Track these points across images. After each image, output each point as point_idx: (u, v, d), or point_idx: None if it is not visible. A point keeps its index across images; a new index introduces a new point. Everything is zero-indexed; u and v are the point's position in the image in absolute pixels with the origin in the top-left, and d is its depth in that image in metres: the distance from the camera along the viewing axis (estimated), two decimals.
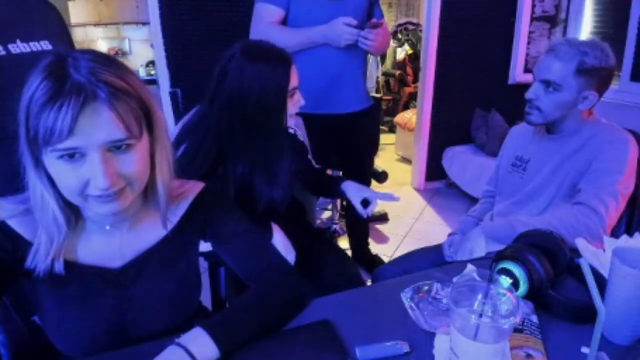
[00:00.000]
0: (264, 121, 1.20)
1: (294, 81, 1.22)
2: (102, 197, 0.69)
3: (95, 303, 0.79)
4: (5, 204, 0.75)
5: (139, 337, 0.80)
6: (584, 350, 0.74)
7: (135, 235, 0.83)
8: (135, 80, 0.70)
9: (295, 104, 1.26)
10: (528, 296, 0.85)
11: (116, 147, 0.68)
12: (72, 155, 0.65)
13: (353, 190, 1.40)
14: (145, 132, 0.72)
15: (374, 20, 1.83)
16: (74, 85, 0.63)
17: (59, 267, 0.74)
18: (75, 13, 5.04)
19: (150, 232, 0.84)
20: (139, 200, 0.81)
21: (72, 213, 0.75)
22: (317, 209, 3.13)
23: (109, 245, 0.80)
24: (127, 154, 0.69)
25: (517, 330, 0.77)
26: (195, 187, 0.90)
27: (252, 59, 1.17)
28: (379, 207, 3.30)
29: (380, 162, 3.82)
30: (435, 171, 3.80)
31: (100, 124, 0.65)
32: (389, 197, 1.38)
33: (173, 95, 2.80)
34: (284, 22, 1.87)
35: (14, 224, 0.74)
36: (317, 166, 1.55)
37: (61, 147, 0.64)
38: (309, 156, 1.55)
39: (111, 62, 0.68)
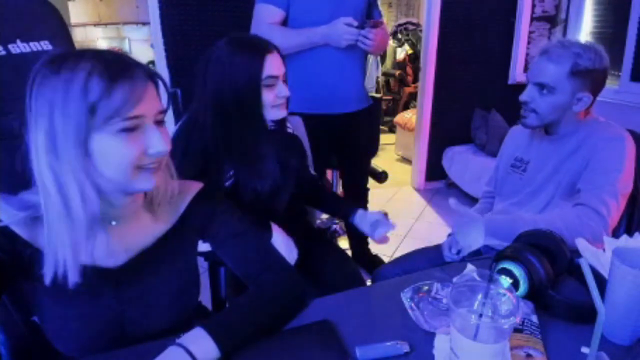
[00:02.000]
0: (238, 111, 1.17)
1: (270, 70, 1.18)
2: (150, 169, 0.74)
3: (94, 302, 0.79)
4: (7, 207, 0.75)
5: (138, 337, 0.80)
6: (584, 350, 0.74)
7: (134, 235, 0.83)
8: None
9: (276, 94, 1.21)
10: (528, 296, 0.85)
11: (159, 121, 0.75)
12: (134, 127, 0.70)
13: (366, 228, 1.40)
14: None
15: (373, 19, 1.83)
16: (129, 62, 0.71)
17: (72, 276, 0.72)
18: (75, 13, 5.04)
19: (149, 231, 0.84)
20: (140, 198, 0.82)
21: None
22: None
23: (107, 245, 0.80)
24: (162, 126, 0.76)
25: (517, 330, 0.77)
26: (193, 187, 0.91)
27: (229, 49, 1.17)
28: (378, 207, 3.31)
29: (380, 162, 3.82)
30: (435, 171, 3.81)
31: (153, 95, 0.73)
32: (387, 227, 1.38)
33: (173, 95, 2.80)
34: (284, 22, 1.87)
35: (18, 229, 0.74)
36: (313, 173, 1.53)
37: (131, 115, 0.69)
38: (308, 162, 1.53)
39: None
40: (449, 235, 1.49)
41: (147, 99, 0.71)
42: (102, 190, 0.73)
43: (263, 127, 1.25)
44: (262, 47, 1.19)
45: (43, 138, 0.68)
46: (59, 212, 0.70)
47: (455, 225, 1.36)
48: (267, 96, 1.20)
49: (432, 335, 0.78)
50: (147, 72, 0.73)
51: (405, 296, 0.89)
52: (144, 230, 0.84)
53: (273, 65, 1.19)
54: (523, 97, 1.26)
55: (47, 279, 0.71)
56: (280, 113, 1.25)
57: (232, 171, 1.25)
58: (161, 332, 0.81)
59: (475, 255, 1.31)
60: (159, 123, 0.75)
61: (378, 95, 5.03)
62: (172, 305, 0.86)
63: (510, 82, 3.73)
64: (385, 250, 2.78)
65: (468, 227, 1.26)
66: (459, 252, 1.38)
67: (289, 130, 1.44)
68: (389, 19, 6.54)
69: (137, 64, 0.72)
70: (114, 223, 0.80)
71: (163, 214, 0.85)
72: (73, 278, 0.72)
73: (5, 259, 0.72)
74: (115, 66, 0.69)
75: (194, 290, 0.91)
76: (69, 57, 0.69)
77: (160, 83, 0.76)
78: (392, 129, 5.28)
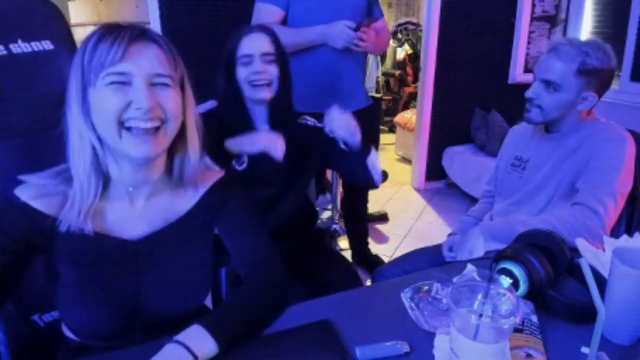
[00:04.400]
0: (227, 88, 1.30)
1: (244, 49, 1.27)
2: (139, 133, 0.74)
3: (111, 275, 0.81)
4: (35, 179, 0.78)
5: (150, 321, 0.82)
6: (584, 350, 0.74)
7: (154, 211, 0.85)
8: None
9: (250, 71, 1.27)
10: (528, 296, 0.85)
11: (158, 84, 0.76)
12: (122, 82, 0.73)
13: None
14: (179, 90, 0.80)
15: (366, 19, 1.82)
16: (128, 25, 0.75)
17: (87, 229, 0.77)
18: (75, 13, 5.03)
19: (169, 210, 0.87)
20: (162, 167, 0.85)
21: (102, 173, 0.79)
22: (317, 209, 3.13)
23: (128, 218, 0.83)
24: (166, 91, 0.77)
25: (517, 330, 0.77)
26: (215, 175, 0.93)
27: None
28: (378, 207, 3.31)
29: (381, 162, 3.83)
30: (435, 171, 3.80)
31: (149, 56, 0.75)
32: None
33: None
34: (284, 22, 1.87)
35: (37, 204, 0.76)
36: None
37: (114, 70, 0.72)
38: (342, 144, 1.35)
39: None
40: (449, 235, 1.49)
41: (135, 58, 0.73)
42: (104, 148, 0.77)
43: (245, 105, 1.32)
44: (242, 30, 1.30)
45: (68, 97, 0.75)
46: (72, 164, 0.77)
47: (453, 243, 1.38)
48: (241, 72, 1.27)
49: (432, 335, 0.78)
50: (143, 34, 0.75)
51: (405, 296, 0.89)
52: (164, 209, 0.86)
53: (247, 45, 1.27)
54: (529, 93, 1.26)
55: (63, 227, 0.76)
56: (259, 93, 1.28)
57: (245, 157, 1.29)
58: (172, 319, 0.82)
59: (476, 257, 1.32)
60: (159, 85, 0.76)
61: (378, 95, 5.02)
62: (185, 289, 0.87)
63: (510, 82, 3.73)
64: (385, 250, 2.78)
65: (465, 243, 1.28)
66: (451, 249, 1.40)
67: (305, 121, 1.43)
68: (389, 19, 6.54)
69: (133, 28, 0.75)
70: (131, 189, 0.82)
71: (185, 196, 0.87)
72: (87, 228, 0.77)
73: (31, 235, 0.76)
74: (111, 28, 0.74)
75: (206, 280, 0.92)
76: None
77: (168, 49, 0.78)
78: (392, 129, 5.27)
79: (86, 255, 0.79)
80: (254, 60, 1.26)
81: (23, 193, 0.77)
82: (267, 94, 1.28)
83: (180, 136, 0.83)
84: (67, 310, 0.82)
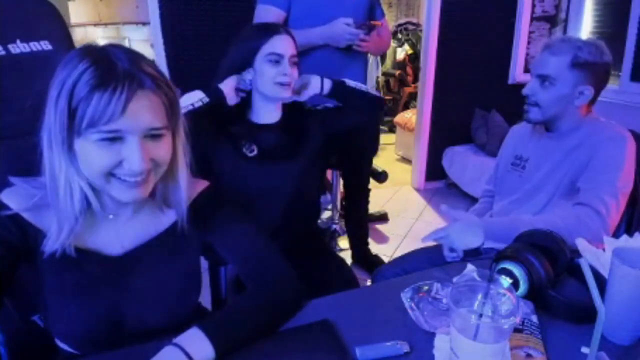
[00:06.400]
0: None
1: (274, 48, 1.27)
2: (127, 182, 0.72)
3: (94, 289, 0.80)
4: (24, 188, 0.76)
5: (136, 333, 0.81)
6: (584, 350, 0.74)
7: (137, 226, 0.84)
8: (165, 75, 0.76)
9: (279, 71, 1.27)
10: (528, 296, 0.85)
11: (152, 135, 0.72)
12: (113, 138, 0.69)
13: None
14: (172, 131, 0.77)
15: (369, 22, 1.83)
16: (125, 71, 0.68)
17: (69, 250, 0.76)
18: (75, 13, 5.04)
19: (152, 223, 0.85)
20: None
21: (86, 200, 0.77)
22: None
23: (110, 233, 0.82)
24: (159, 141, 0.74)
25: (517, 330, 0.77)
26: (199, 185, 0.91)
27: (248, 27, 1.36)
28: (378, 207, 3.30)
29: (380, 162, 3.82)
30: (435, 171, 3.80)
31: (147, 111, 0.70)
32: None
33: None
34: (285, 23, 1.87)
35: (28, 215, 0.75)
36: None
37: (106, 129, 0.67)
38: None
39: (143, 55, 0.74)
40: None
41: (133, 114, 0.67)
42: (92, 186, 0.74)
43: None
44: (273, 28, 1.31)
45: (45, 129, 0.70)
46: (52, 200, 0.73)
47: (448, 229, 1.36)
48: (270, 71, 1.27)
49: (432, 335, 0.78)
50: (143, 83, 0.68)
51: (405, 296, 0.89)
52: (147, 224, 0.85)
53: (278, 45, 1.27)
54: (525, 90, 1.28)
55: (46, 253, 0.74)
56: (283, 93, 1.30)
57: (254, 145, 1.33)
58: (159, 330, 0.81)
59: (475, 255, 1.31)
60: (153, 137, 0.72)
61: None
62: (170, 302, 0.86)
63: (510, 82, 3.72)
64: (385, 250, 2.78)
65: (464, 231, 1.26)
66: (451, 249, 1.38)
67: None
68: (389, 19, 6.53)
69: (132, 76, 0.68)
70: (111, 217, 0.81)
71: (169, 209, 0.85)
72: (69, 250, 0.75)
73: (19, 246, 0.75)
74: (106, 71, 0.67)
75: (193, 290, 0.91)
76: (92, 48, 0.71)
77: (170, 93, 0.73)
78: (392, 129, 5.27)
79: (68, 271, 0.78)
80: (284, 62, 1.28)
81: (12, 201, 0.75)
82: (288, 94, 1.31)
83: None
84: (53, 320, 0.80)
